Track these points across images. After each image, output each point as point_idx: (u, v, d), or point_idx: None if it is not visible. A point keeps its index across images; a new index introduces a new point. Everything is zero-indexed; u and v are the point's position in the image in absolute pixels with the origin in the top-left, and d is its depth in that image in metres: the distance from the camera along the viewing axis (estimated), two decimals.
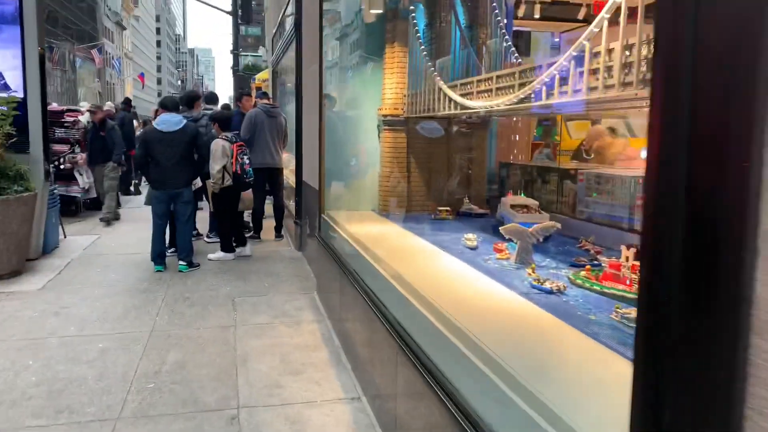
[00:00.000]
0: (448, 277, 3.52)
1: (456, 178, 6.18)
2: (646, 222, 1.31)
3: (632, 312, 2.46)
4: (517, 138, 6.59)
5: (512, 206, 4.65)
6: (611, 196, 4.53)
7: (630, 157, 6.36)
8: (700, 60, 1.17)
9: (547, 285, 3.06)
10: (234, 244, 8.10)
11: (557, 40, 9.71)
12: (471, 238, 4.25)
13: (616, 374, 2.04)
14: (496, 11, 4.89)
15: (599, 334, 2.43)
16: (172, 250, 7.91)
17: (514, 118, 6.51)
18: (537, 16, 8.51)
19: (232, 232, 8.11)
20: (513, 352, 2.39)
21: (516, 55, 5.41)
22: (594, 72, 2.84)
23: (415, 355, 3.04)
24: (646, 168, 1.28)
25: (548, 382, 2.18)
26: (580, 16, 8.79)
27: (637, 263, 3.06)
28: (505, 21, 5.36)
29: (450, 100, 4.63)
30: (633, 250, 2.95)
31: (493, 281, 3.32)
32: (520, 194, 5.00)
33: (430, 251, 4.22)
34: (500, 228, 3.67)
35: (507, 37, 5.29)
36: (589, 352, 2.29)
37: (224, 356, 4.73)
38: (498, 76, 3.91)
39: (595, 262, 3.67)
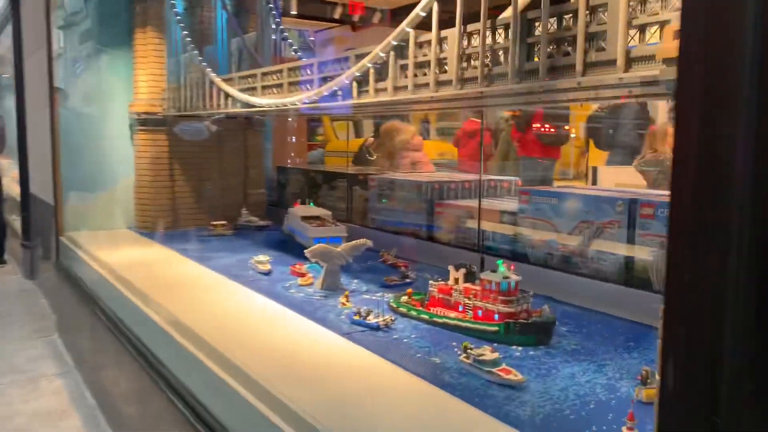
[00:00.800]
0: (244, 316, 2.82)
1: (230, 186, 5.41)
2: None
3: (486, 352, 2.05)
4: (294, 139, 6.03)
5: (303, 218, 4.08)
6: (406, 203, 4.21)
7: (416, 147, 6.23)
8: None
9: (372, 319, 2.54)
10: None
11: (312, 38, 9.40)
12: (262, 260, 3.58)
13: None
14: None
15: (455, 386, 1.97)
16: None
17: (290, 119, 5.94)
18: (294, 12, 8.06)
19: None
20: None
21: (295, 47, 4.85)
22: (420, 66, 2.40)
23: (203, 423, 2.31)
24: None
25: None
26: (336, 15, 8.56)
27: (471, 286, 2.74)
28: (277, 11, 4.76)
29: (226, 96, 3.89)
30: (463, 271, 2.58)
31: (301, 318, 2.71)
32: (308, 203, 4.44)
33: (213, 280, 3.45)
34: (305, 252, 3.07)
35: (282, 27, 4.69)
36: (463, 419, 1.80)
37: None
38: (290, 69, 3.28)
39: (408, 280, 3.28)
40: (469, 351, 2.09)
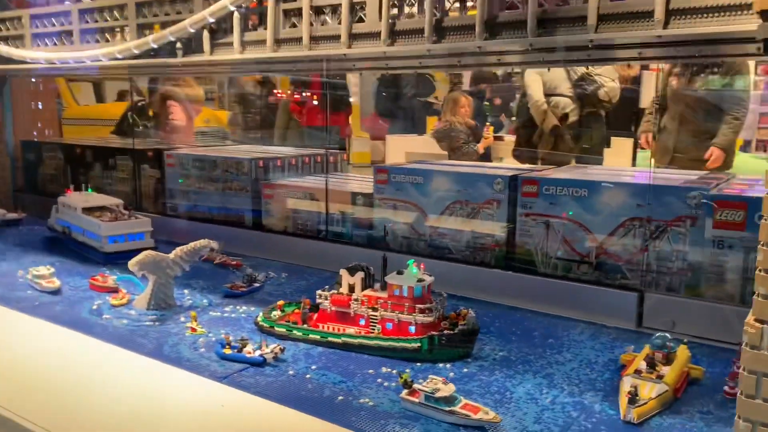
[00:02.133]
0: (47, 366, 1.95)
1: None
2: None
3: (439, 384, 1.60)
4: (41, 106, 4.76)
5: (85, 210, 3.13)
6: (221, 184, 3.51)
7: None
8: None
9: (253, 352, 1.91)
10: None
11: None
12: (44, 273, 2.61)
13: None
14: None
15: None
16: None
17: (33, 79, 4.67)
18: None
19: None
20: None
21: None
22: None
23: None
24: None
25: None
26: None
27: (374, 293, 2.21)
28: None
29: None
30: (360, 275, 2.07)
31: (142, 358, 1.96)
32: (86, 189, 3.45)
33: None
34: (130, 264, 2.25)
35: None
36: None
37: None
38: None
39: (257, 285, 2.65)
40: (416, 386, 1.62)
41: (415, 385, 1.63)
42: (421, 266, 2.03)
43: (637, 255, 2.35)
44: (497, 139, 6.11)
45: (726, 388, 1.72)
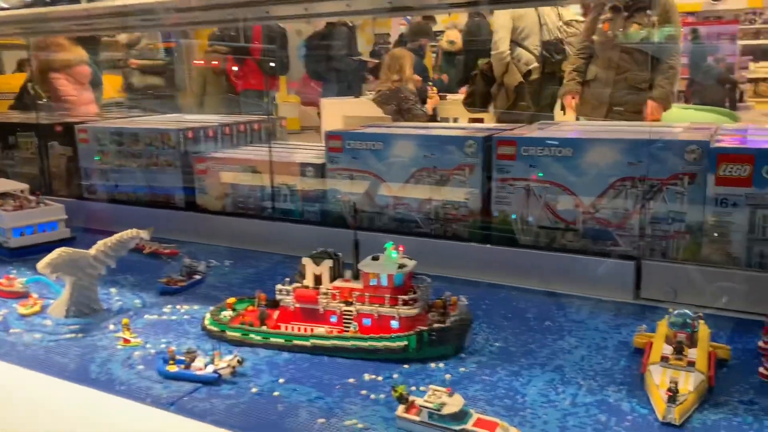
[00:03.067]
0: None
1: None
2: None
3: (443, 397, 1.31)
4: None
5: None
6: (145, 160, 3.06)
7: None
8: None
9: (204, 367, 1.55)
10: None
11: None
12: None
13: None
14: None
15: None
16: None
17: None
18: None
19: None
20: None
21: None
22: None
23: None
24: None
25: None
26: None
27: (349, 285, 1.81)
28: None
29: None
30: (328, 264, 1.74)
31: (62, 383, 1.57)
32: None
33: None
34: (39, 265, 1.82)
35: None
36: None
37: None
38: None
39: (197, 277, 2.27)
40: (416, 400, 1.32)
41: (415, 400, 1.33)
42: (400, 248, 1.71)
43: (630, 219, 2.11)
44: (441, 98, 5.82)
45: (761, 369, 1.51)
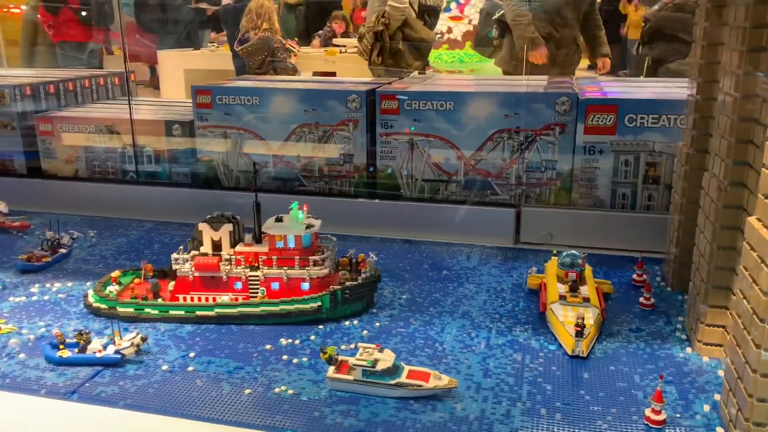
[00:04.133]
0: None
1: None
2: None
3: (374, 352, 1.31)
4: None
5: None
6: None
7: None
8: None
9: (103, 348, 1.40)
10: None
11: None
12: None
13: None
14: None
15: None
16: None
17: None
18: None
19: None
20: None
21: None
22: None
23: None
24: None
25: None
26: None
27: (250, 248, 1.71)
28: None
29: None
30: (228, 227, 1.63)
31: None
32: None
33: None
34: None
35: None
36: None
37: None
38: None
39: (63, 251, 2.04)
40: (354, 361, 1.30)
41: (348, 360, 1.31)
42: (305, 208, 1.66)
43: (507, 169, 2.23)
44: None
45: (642, 299, 1.69)
